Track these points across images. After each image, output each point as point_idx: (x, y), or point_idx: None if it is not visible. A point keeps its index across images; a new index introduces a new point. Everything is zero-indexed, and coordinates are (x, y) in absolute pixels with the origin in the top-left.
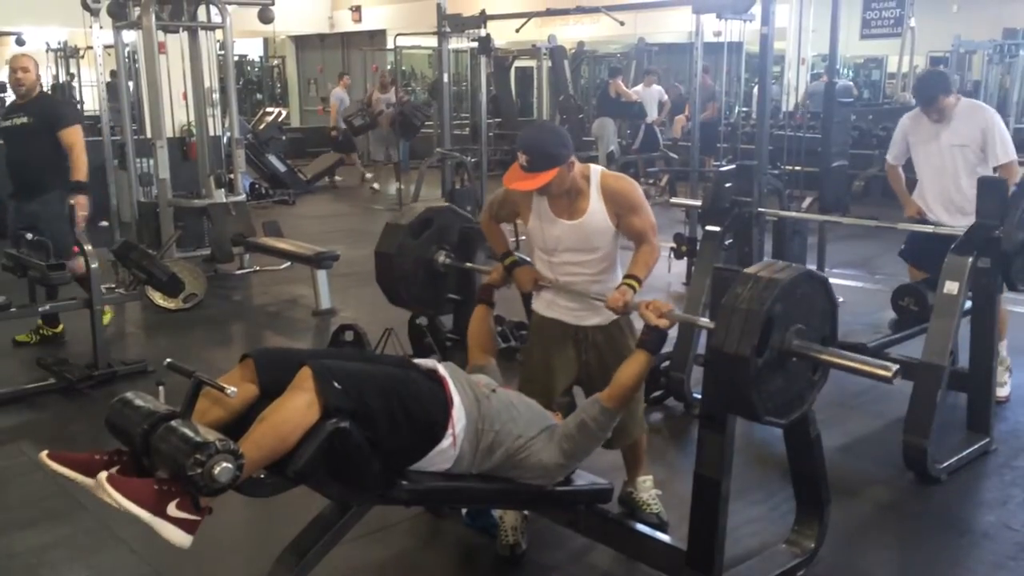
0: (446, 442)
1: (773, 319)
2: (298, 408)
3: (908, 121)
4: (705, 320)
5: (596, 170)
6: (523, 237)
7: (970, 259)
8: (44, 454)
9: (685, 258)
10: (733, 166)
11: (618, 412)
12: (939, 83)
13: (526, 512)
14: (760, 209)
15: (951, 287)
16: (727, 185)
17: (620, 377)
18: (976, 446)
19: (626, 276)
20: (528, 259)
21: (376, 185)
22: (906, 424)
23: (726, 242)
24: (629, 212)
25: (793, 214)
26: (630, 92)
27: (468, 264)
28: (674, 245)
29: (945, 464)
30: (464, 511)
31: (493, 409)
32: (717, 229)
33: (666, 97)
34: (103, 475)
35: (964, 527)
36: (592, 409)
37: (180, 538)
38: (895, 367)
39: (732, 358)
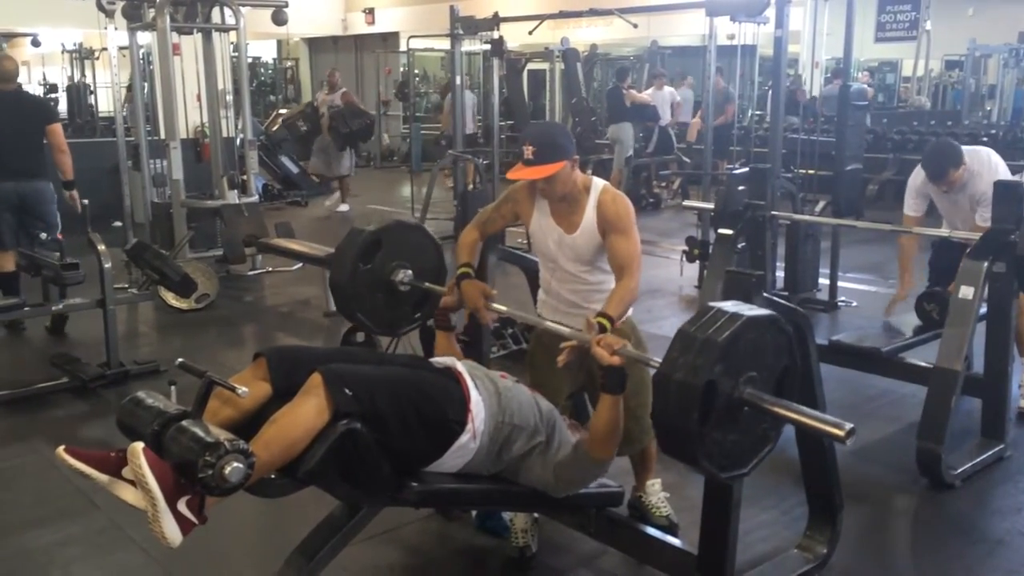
0: (465, 436)
1: (715, 383)
2: (308, 414)
3: (920, 181)
4: (656, 360)
5: (597, 185)
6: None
7: (985, 264)
8: (61, 449)
9: (697, 261)
10: (746, 169)
11: (607, 458)
12: (950, 157)
13: (536, 515)
14: (773, 212)
15: (966, 292)
16: (740, 188)
17: (594, 428)
18: (990, 452)
19: (600, 312)
20: (471, 276)
21: (344, 207)
22: (920, 429)
23: (739, 245)
24: (614, 232)
25: (806, 218)
26: (643, 96)
27: (426, 285)
28: (686, 248)
29: (959, 470)
30: (474, 513)
31: (513, 402)
32: (730, 232)
33: (679, 98)
34: (139, 444)
35: (978, 534)
36: (582, 454)
37: (175, 534)
38: (849, 426)
39: (674, 432)
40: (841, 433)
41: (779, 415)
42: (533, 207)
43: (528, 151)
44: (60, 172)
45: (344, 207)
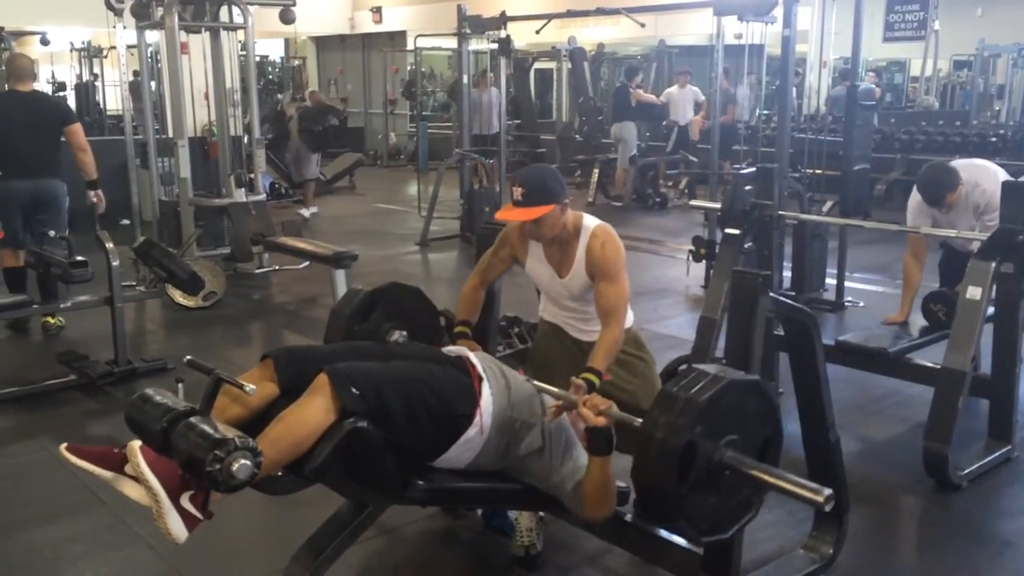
0: (472, 431)
1: (695, 443)
2: (315, 413)
3: (918, 203)
4: (639, 422)
5: (588, 228)
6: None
7: (993, 264)
8: (63, 447)
9: (704, 261)
10: (753, 169)
11: (602, 518)
12: (945, 183)
13: (542, 513)
14: (780, 212)
15: (974, 292)
16: (747, 188)
17: (586, 490)
18: (997, 453)
19: (586, 368)
20: (464, 341)
21: (312, 210)
22: (927, 430)
23: (745, 245)
24: (603, 279)
25: (814, 217)
26: (649, 96)
27: (422, 344)
28: (693, 248)
29: (966, 471)
30: (480, 512)
31: (524, 398)
32: (736, 232)
33: (703, 98)
34: (136, 442)
35: (985, 535)
36: (579, 506)
37: (180, 530)
38: (827, 492)
39: (654, 491)
40: (820, 499)
41: (759, 479)
42: (527, 248)
43: (517, 192)
44: (83, 172)
45: (312, 210)
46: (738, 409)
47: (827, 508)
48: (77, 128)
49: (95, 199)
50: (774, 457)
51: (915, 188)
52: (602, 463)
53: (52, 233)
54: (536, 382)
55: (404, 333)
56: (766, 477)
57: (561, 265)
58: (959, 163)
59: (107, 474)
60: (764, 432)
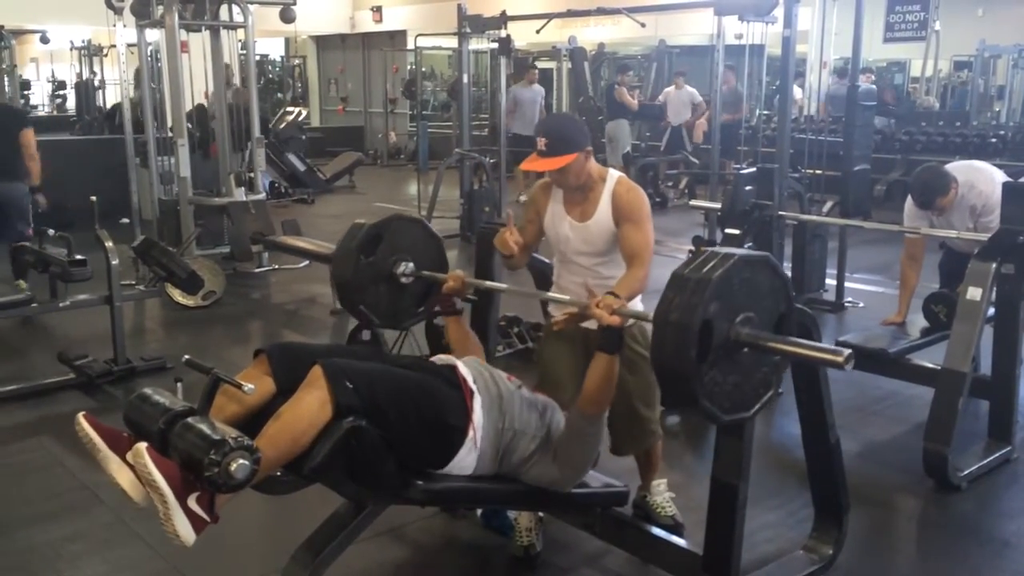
0: (466, 447)
1: (711, 322)
2: (311, 407)
3: (913, 206)
4: (651, 316)
5: (613, 176)
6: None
7: (994, 265)
8: (81, 415)
9: None
10: (753, 169)
11: (599, 416)
12: (937, 186)
13: (541, 514)
14: (780, 212)
15: (974, 293)
16: (747, 188)
17: (587, 383)
18: (997, 454)
19: (607, 292)
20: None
21: None
22: (927, 431)
23: (746, 246)
24: (627, 221)
25: (814, 218)
26: (628, 97)
27: (427, 273)
28: (693, 248)
29: (966, 472)
30: (479, 512)
31: (516, 407)
32: (737, 232)
33: (699, 99)
34: (142, 444)
35: (985, 536)
36: (575, 418)
37: (188, 532)
38: (847, 352)
39: (673, 373)
40: (840, 359)
41: (777, 349)
42: (549, 198)
43: (541, 143)
44: (30, 177)
45: None
46: (750, 286)
47: (847, 367)
48: (30, 134)
49: (38, 202)
50: (789, 330)
51: (910, 197)
52: (609, 360)
53: (51, 231)
54: (548, 293)
55: (411, 264)
56: (784, 347)
57: (584, 211)
58: (954, 165)
59: (111, 454)
60: (778, 308)
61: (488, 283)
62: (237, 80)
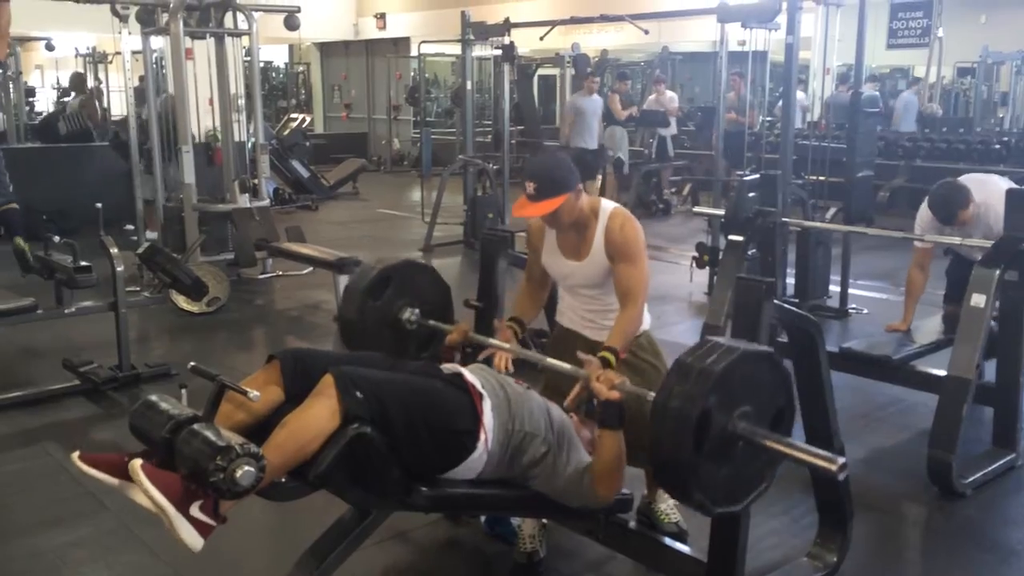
0: (478, 451)
1: (709, 413)
2: (319, 416)
3: (930, 217)
4: (652, 395)
5: (606, 210)
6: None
7: (997, 272)
8: (75, 455)
9: (707, 268)
10: (757, 176)
11: (610, 496)
12: (957, 200)
13: (545, 520)
14: (784, 219)
15: (978, 300)
16: (751, 195)
17: (596, 465)
18: (1002, 461)
19: (604, 347)
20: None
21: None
22: (931, 438)
23: (749, 252)
24: (621, 259)
25: (817, 224)
26: (618, 109)
27: (432, 323)
28: (696, 254)
29: (970, 479)
30: (483, 518)
31: (524, 408)
32: (740, 239)
33: (675, 104)
34: (137, 461)
35: (990, 543)
36: (587, 487)
37: (194, 540)
38: (841, 460)
39: (668, 460)
40: (834, 468)
41: (773, 449)
42: (544, 237)
43: (530, 187)
44: None
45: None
46: (752, 380)
47: (841, 477)
48: None
49: None
50: (787, 428)
51: (925, 205)
52: (613, 437)
53: (56, 238)
54: (549, 359)
55: (417, 311)
56: (779, 447)
57: (579, 250)
58: (969, 180)
59: (115, 482)
60: (777, 403)
61: (490, 340)
62: (171, 88)
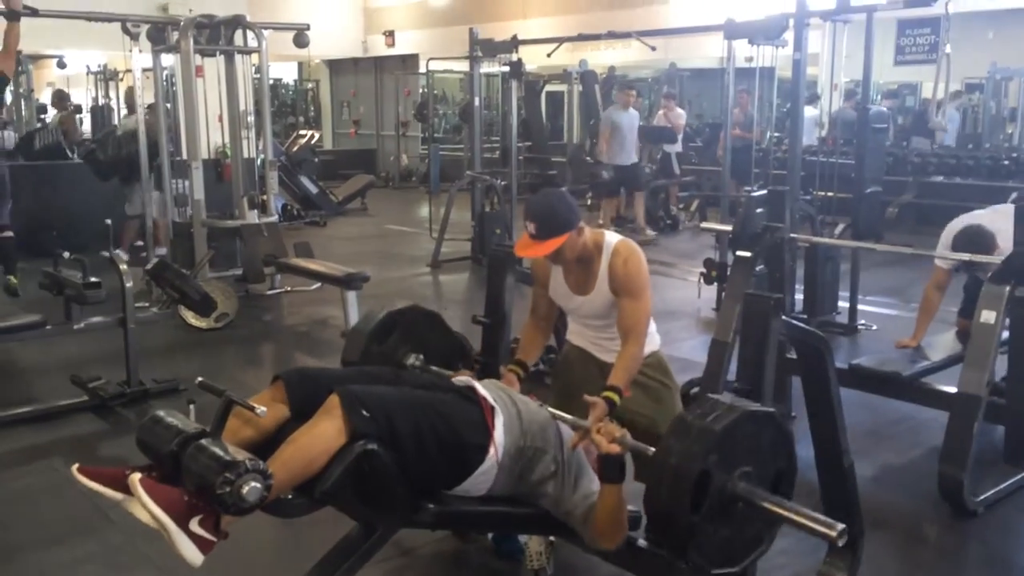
0: (487, 463)
1: (709, 472)
2: (326, 433)
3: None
4: (652, 451)
5: (610, 244)
6: None
7: (1007, 288)
8: (75, 468)
9: (715, 284)
10: (765, 191)
11: (612, 548)
12: (984, 245)
13: (552, 537)
14: (792, 235)
15: (988, 316)
16: (759, 210)
17: (598, 519)
18: (1014, 479)
19: (607, 387)
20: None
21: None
22: (942, 455)
23: (757, 268)
24: (625, 295)
25: (826, 240)
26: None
27: (434, 369)
28: (704, 270)
29: (982, 497)
30: (490, 535)
31: (535, 424)
32: (748, 255)
33: (682, 121)
34: (136, 476)
35: (1003, 563)
36: (590, 536)
37: (194, 555)
38: (840, 527)
39: (665, 518)
40: (833, 534)
41: (770, 511)
42: (550, 272)
43: (531, 227)
44: None
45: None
46: (752, 440)
47: (840, 543)
48: None
49: None
50: (787, 489)
51: (949, 226)
52: (614, 490)
53: (66, 254)
54: (550, 408)
55: (421, 357)
56: (779, 510)
57: (584, 284)
58: (989, 219)
59: (117, 495)
60: (777, 464)
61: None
62: (145, 101)
